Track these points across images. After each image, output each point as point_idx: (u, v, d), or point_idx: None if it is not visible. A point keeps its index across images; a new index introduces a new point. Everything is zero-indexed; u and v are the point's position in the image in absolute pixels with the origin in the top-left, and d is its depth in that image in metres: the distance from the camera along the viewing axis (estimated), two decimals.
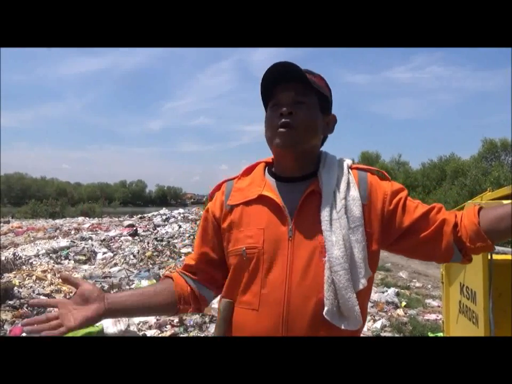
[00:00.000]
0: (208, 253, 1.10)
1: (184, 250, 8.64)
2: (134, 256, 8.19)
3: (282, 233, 0.97)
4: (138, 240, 9.98)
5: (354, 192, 0.99)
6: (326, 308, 0.91)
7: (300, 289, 0.94)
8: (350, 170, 1.04)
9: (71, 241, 9.61)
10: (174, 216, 14.42)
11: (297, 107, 0.99)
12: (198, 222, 12.14)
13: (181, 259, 7.92)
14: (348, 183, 1.00)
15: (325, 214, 0.95)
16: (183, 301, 1.08)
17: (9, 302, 4.77)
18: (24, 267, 6.95)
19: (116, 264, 7.63)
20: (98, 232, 11.79)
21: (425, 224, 0.98)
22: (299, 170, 1.03)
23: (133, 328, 4.05)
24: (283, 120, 0.98)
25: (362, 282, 0.94)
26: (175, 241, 9.75)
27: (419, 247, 1.00)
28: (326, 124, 1.06)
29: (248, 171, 1.11)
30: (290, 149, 1.00)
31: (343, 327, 0.92)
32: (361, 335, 1.04)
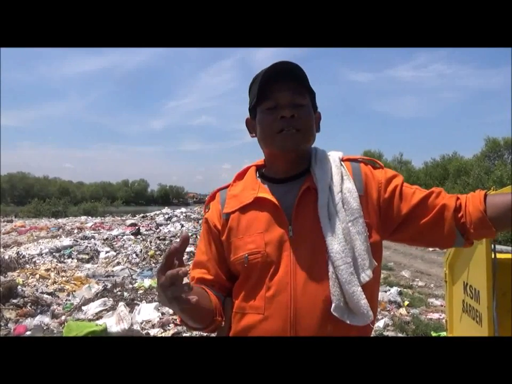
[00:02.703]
0: (221, 265, 1.06)
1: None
2: (137, 255, 8.22)
3: (282, 234, 0.96)
4: (141, 239, 10.00)
5: (349, 184, 0.98)
6: (333, 304, 0.90)
7: (306, 288, 0.92)
8: (342, 162, 1.03)
9: (74, 240, 9.64)
10: (176, 215, 14.46)
11: (297, 109, 0.97)
12: (200, 221, 12.15)
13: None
14: (342, 176, 0.99)
15: (322, 209, 0.94)
16: (218, 313, 1.01)
17: (13, 300, 4.79)
18: (27, 266, 6.98)
19: (118, 263, 7.65)
20: (101, 231, 11.82)
21: (425, 210, 0.96)
22: (293, 170, 1.02)
23: (136, 327, 4.06)
24: (286, 123, 0.95)
25: (368, 274, 0.93)
26: (178, 240, 9.74)
27: (420, 234, 0.99)
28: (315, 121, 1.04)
29: (240, 177, 1.10)
30: (292, 152, 0.98)
31: (349, 322, 0.90)
32: None
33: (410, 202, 0.97)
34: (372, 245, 0.96)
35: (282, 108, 0.96)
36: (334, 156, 1.04)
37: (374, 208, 0.98)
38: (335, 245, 0.91)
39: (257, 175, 1.08)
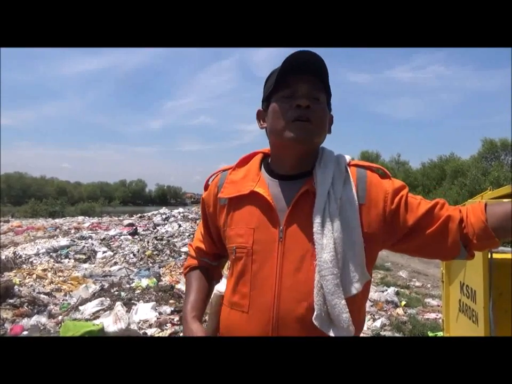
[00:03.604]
0: (215, 243, 1.12)
1: (184, 249, 8.63)
2: (134, 255, 8.19)
3: (272, 234, 0.94)
4: (138, 239, 9.97)
5: (350, 192, 0.95)
6: (315, 313, 0.89)
7: (290, 293, 0.91)
8: (348, 167, 1.00)
9: (71, 240, 9.60)
10: (173, 216, 14.41)
11: (313, 102, 0.95)
12: (198, 221, 12.15)
13: (180, 258, 7.92)
14: (345, 182, 0.96)
15: (317, 216, 0.91)
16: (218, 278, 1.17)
17: (10, 300, 4.77)
18: (24, 266, 6.96)
19: (116, 263, 7.63)
20: (98, 231, 11.78)
21: (430, 222, 0.94)
22: (298, 167, 0.99)
23: (133, 326, 4.05)
24: (302, 113, 0.94)
25: (356, 287, 0.91)
26: (175, 240, 9.75)
27: (424, 246, 0.97)
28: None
29: (245, 161, 1.07)
30: (302, 144, 0.95)
31: (331, 334, 0.89)
32: (361, 333, 1.02)
33: (416, 213, 0.95)
34: (368, 256, 0.94)
35: (299, 97, 0.95)
36: (340, 160, 1.01)
37: (378, 218, 0.95)
38: (324, 254, 0.89)
39: (262, 165, 1.06)
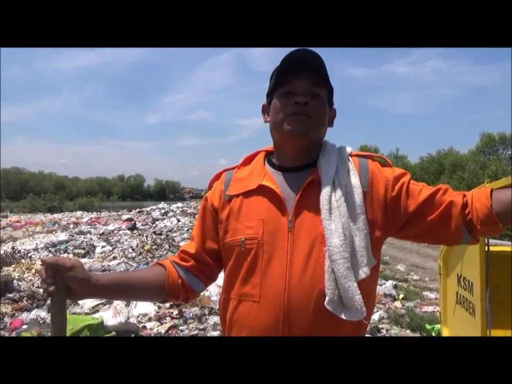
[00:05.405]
0: (207, 242, 1.09)
1: (183, 243, 8.65)
2: (133, 249, 8.21)
3: (282, 224, 0.96)
4: (137, 234, 9.99)
5: (354, 180, 0.98)
6: (327, 298, 0.90)
7: (301, 281, 0.92)
8: (350, 157, 1.03)
9: (70, 235, 9.62)
10: (172, 210, 14.44)
11: (312, 98, 0.98)
12: (196, 216, 12.17)
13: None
14: (348, 171, 0.99)
15: (324, 202, 0.94)
16: (172, 294, 1.07)
17: (9, 295, 4.79)
18: (23, 261, 6.97)
19: (114, 258, 7.65)
20: (97, 226, 11.80)
21: (432, 207, 0.96)
22: (300, 159, 1.02)
23: (132, 320, 4.07)
24: (299, 108, 0.97)
25: (365, 271, 0.92)
26: (174, 234, 9.77)
27: (427, 231, 0.98)
28: (329, 117, 1.06)
29: (248, 160, 1.11)
30: (301, 136, 0.98)
31: (343, 317, 0.90)
32: None
33: (417, 199, 0.97)
34: (373, 242, 0.96)
35: (297, 94, 0.98)
36: (342, 150, 1.04)
37: (380, 205, 0.97)
38: (334, 239, 0.91)
39: (266, 161, 1.09)
